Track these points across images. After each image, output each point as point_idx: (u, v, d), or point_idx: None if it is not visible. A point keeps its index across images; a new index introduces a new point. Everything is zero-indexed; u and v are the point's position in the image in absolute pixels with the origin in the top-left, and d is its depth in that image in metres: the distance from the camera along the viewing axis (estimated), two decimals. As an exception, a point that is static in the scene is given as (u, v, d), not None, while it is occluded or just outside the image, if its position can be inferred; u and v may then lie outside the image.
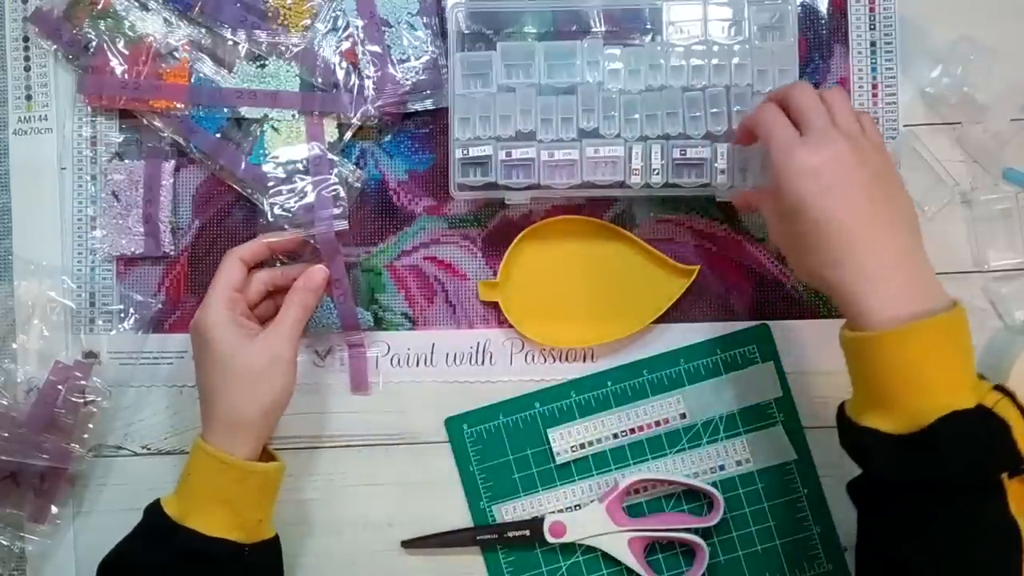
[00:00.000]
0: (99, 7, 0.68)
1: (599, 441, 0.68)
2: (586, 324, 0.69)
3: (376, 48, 0.67)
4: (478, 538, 0.68)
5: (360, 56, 0.68)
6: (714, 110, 0.63)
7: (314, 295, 0.64)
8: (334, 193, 0.67)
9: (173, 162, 0.69)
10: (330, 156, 0.68)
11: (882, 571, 0.53)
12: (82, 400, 0.68)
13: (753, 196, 0.62)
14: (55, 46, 0.69)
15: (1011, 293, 0.68)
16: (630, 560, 0.66)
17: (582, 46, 0.64)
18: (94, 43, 0.68)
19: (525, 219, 0.69)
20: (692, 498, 0.68)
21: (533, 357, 0.69)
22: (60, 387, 0.67)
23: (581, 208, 0.69)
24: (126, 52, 0.68)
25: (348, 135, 0.69)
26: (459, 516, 0.69)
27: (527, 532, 0.67)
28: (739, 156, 0.63)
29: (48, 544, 0.69)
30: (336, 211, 0.66)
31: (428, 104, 0.68)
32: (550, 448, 0.68)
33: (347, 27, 0.68)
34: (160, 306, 0.70)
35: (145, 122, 0.69)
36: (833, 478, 0.68)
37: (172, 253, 0.70)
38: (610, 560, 0.67)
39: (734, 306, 0.69)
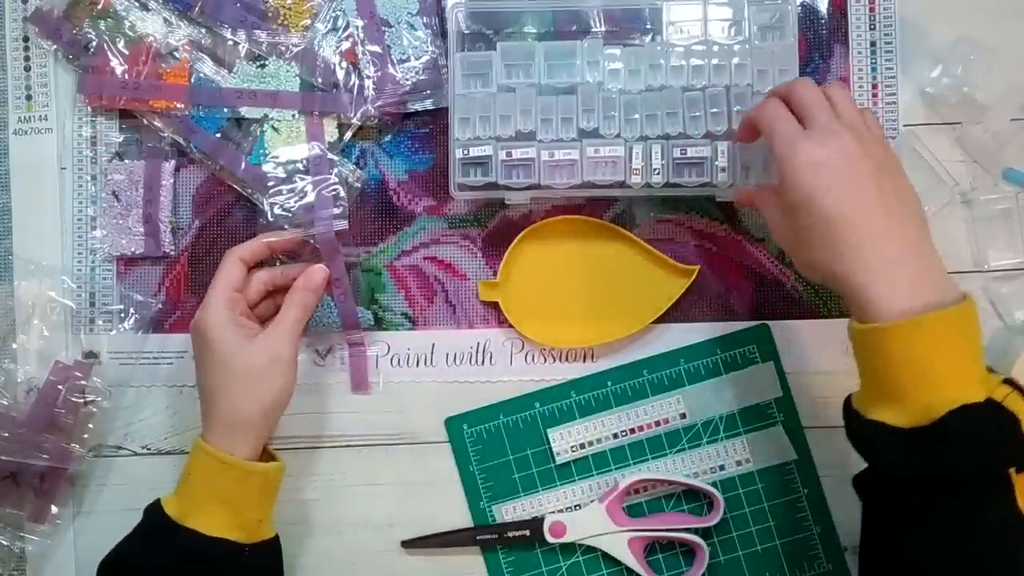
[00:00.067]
0: (99, 7, 0.68)
1: (599, 441, 0.68)
2: (586, 324, 0.69)
3: (376, 48, 0.67)
4: (478, 538, 0.68)
5: (360, 56, 0.68)
6: (714, 110, 0.63)
7: (314, 295, 0.64)
8: (334, 193, 0.67)
9: (173, 162, 0.69)
10: (330, 156, 0.68)
11: (888, 566, 0.52)
12: (82, 400, 0.68)
13: (755, 194, 0.62)
14: (55, 46, 0.69)
15: (1011, 293, 0.68)
16: (630, 560, 0.66)
17: (582, 46, 0.64)
18: (94, 43, 0.68)
19: (525, 219, 0.69)
20: (692, 498, 0.68)
21: (533, 357, 0.69)
22: (60, 387, 0.67)
23: (581, 208, 0.69)
24: (126, 52, 0.68)
25: (348, 135, 0.69)
26: (459, 516, 0.69)
27: (527, 532, 0.67)
28: (741, 153, 0.63)
29: (48, 544, 0.69)
30: (336, 211, 0.66)
31: (428, 104, 0.68)
32: (550, 448, 0.68)
33: (347, 27, 0.68)
34: (160, 306, 0.70)
35: (145, 122, 0.69)
36: (833, 478, 0.68)
37: (172, 253, 0.70)
38: (610, 560, 0.67)
39: (734, 306, 0.69)
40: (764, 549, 0.68)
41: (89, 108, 0.70)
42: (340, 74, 0.68)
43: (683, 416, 0.68)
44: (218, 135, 0.69)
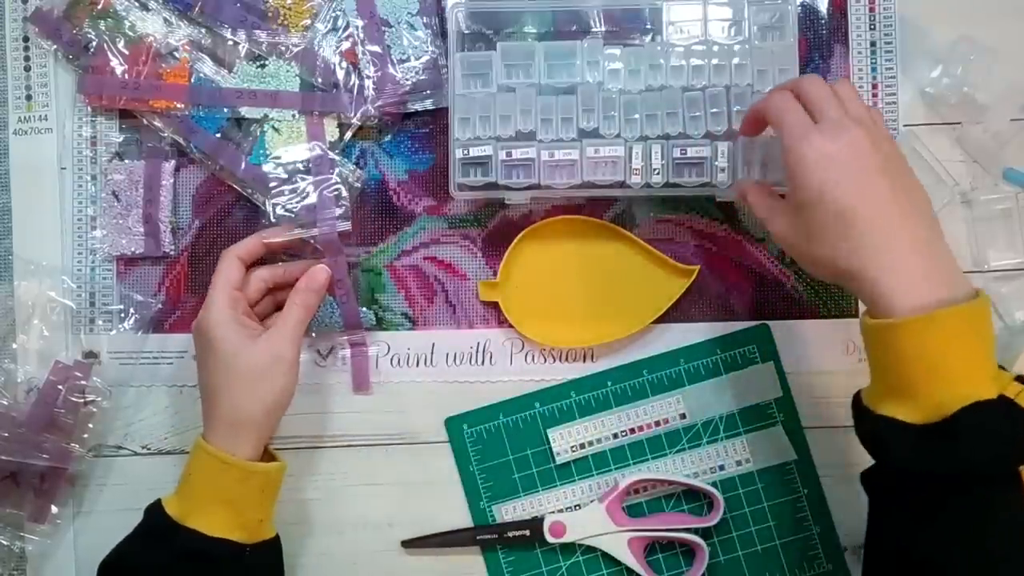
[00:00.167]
0: (99, 7, 0.68)
1: (599, 441, 0.68)
2: (586, 324, 0.69)
3: (376, 48, 0.67)
4: (478, 538, 0.68)
5: (360, 56, 0.68)
6: (714, 110, 0.63)
7: (316, 295, 0.64)
8: (336, 193, 0.67)
9: (173, 162, 0.69)
10: (331, 156, 0.68)
11: (895, 563, 0.52)
12: (82, 400, 0.68)
13: (753, 192, 0.60)
14: (55, 46, 0.69)
15: (1011, 293, 0.68)
16: (630, 560, 0.66)
17: (582, 46, 0.64)
18: (94, 43, 0.68)
19: (525, 219, 0.69)
20: (692, 498, 0.68)
21: (533, 357, 0.69)
22: (60, 387, 0.67)
23: (581, 208, 0.69)
24: (126, 52, 0.68)
25: (348, 135, 0.69)
26: (459, 516, 0.69)
27: (527, 532, 0.67)
28: (744, 150, 0.62)
29: (48, 544, 0.69)
30: (338, 211, 0.66)
31: (428, 104, 0.68)
32: (550, 448, 0.68)
33: (347, 27, 0.68)
34: (160, 306, 0.70)
35: (145, 122, 0.69)
36: (833, 478, 0.68)
37: (172, 253, 0.70)
38: (610, 560, 0.67)
39: (734, 306, 0.69)
40: (764, 549, 0.68)
41: (89, 108, 0.70)
42: (340, 74, 0.68)
43: (683, 416, 0.68)
44: (218, 135, 0.69)
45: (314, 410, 0.69)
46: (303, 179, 0.67)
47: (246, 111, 0.68)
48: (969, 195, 0.68)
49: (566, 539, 0.67)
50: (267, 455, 0.63)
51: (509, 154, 0.63)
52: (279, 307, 0.65)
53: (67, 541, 0.70)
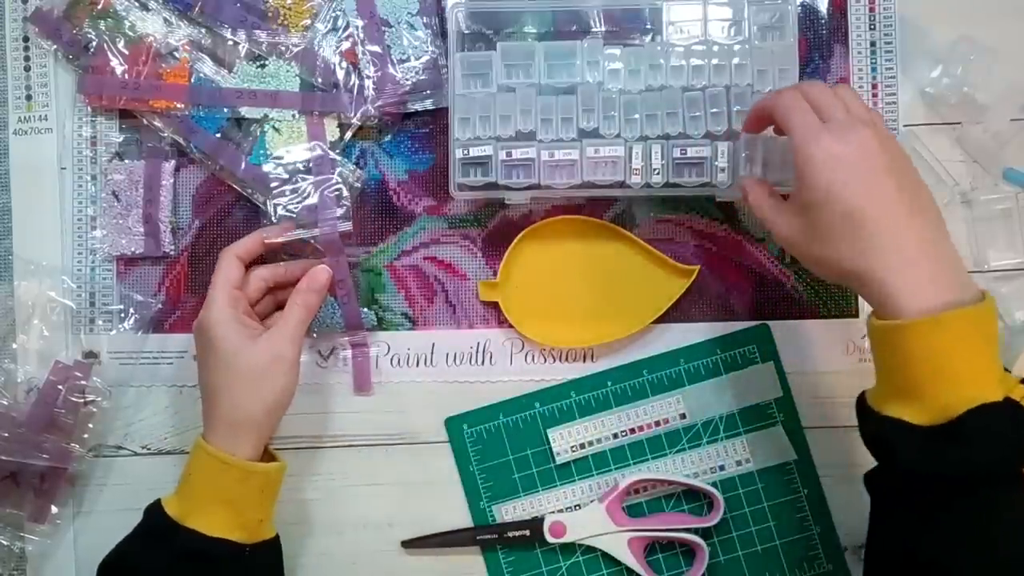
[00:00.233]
0: (99, 7, 0.68)
1: (599, 441, 0.68)
2: (586, 324, 0.69)
3: (376, 48, 0.67)
4: (478, 538, 0.68)
5: (360, 56, 0.68)
6: (714, 110, 0.63)
7: (317, 296, 0.64)
8: (337, 193, 0.67)
9: (173, 162, 0.69)
10: (332, 156, 0.68)
11: (899, 565, 0.52)
12: (82, 400, 0.68)
13: (754, 192, 0.60)
14: (55, 46, 0.69)
15: (1011, 293, 0.68)
16: (630, 560, 0.66)
17: (582, 46, 0.64)
18: (94, 43, 0.68)
19: (525, 219, 0.69)
20: (692, 498, 0.68)
21: (533, 357, 0.69)
22: (60, 387, 0.67)
23: (581, 208, 0.69)
24: (126, 52, 0.68)
25: (348, 135, 0.69)
26: (459, 516, 0.69)
27: (527, 532, 0.67)
28: (746, 147, 0.62)
29: (48, 544, 0.69)
30: (339, 211, 0.66)
31: (428, 104, 0.68)
32: (550, 448, 0.68)
33: (347, 27, 0.68)
34: (160, 306, 0.70)
35: (145, 122, 0.69)
36: (833, 478, 0.68)
37: (172, 253, 0.70)
38: (610, 560, 0.67)
39: (734, 306, 0.69)
40: (764, 549, 0.68)
41: (89, 108, 0.70)
42: (340, 74, 0.68)
43: (683, 416, 0.68)
44: (218, 135, 0.69)
45: (314, 410, 0.69)
46: (304, 179, 0.67)
47: (246, 111, 0.68)
48: (969, 195, 0.68)
49: (566, 539, 0.67)
50: (267, 455, 0.63)
51: (509, 154, 0.63)
52: (280, 307, 0.66)
53: (67, 541, 0.70)
